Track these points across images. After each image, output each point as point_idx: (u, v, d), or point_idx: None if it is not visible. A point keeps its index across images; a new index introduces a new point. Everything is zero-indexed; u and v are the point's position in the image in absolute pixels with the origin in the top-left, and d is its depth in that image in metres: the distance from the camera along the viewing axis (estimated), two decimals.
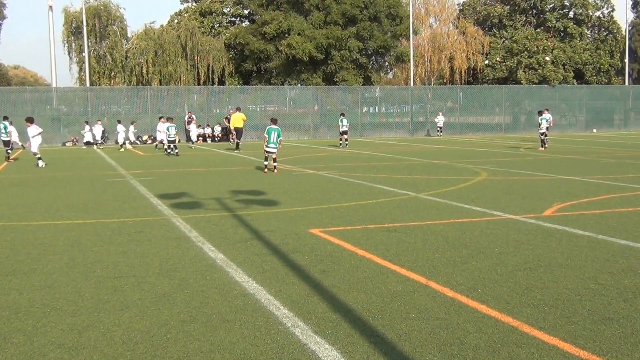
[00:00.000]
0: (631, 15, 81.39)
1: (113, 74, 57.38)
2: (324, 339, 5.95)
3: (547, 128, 32.40)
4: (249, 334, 6.11)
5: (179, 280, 8.05)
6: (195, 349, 5.77)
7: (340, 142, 37.28)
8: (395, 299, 7.15)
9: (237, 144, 36.00)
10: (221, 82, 60.09)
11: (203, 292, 7.54)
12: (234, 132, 36.69)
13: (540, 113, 33.11)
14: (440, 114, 51.10)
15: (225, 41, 61.61)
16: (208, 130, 46.33)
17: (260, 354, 5.65)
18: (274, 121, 22.69)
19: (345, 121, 37.33)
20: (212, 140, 45.88)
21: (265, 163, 22.03)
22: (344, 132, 37.16)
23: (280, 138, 21.99)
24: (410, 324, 6.33)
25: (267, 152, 21.98)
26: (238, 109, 37.31)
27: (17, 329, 6.39)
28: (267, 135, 22.00)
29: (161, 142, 35.10)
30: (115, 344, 5.94)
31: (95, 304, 7.14)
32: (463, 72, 69.73)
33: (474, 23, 73.90)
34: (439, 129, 50.53)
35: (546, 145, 32.11)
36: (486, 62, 72.09)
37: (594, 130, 54.47)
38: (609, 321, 6.34)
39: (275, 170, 21.78)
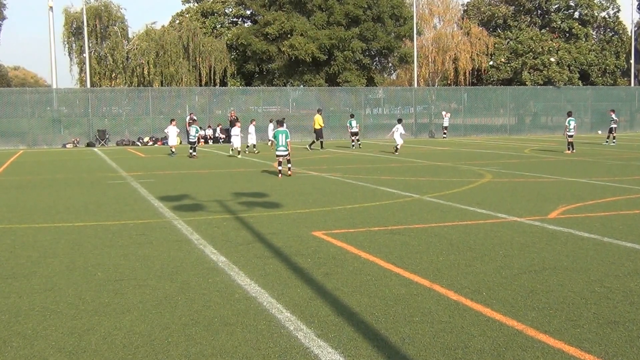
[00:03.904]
0: (637, 16, 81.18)
1: (114, 75, 57.38)
2: (327, 343, 5.92)
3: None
4: (251, 338, 6.07)
5: (181, 283, 8.00)
6: (196, 353, 5.74)
7: (353, 143, 37.41)
8: (399, 302, 7.10)
9: (321, 143, 37.03)
10: (223, 83, 60.07)
11: (205, 295, 7.50)
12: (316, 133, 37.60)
13: (570, 114, 32.54)
14: (445, 113, 50.30)
15: (227, 42, 61.59)
16: (209, 132, 46.25)
17: (263, 357, 5.62)
18: (280, 123, 22.14)
19: (354, 122, 37.55)
20: (213, 142, 45.80)
21: (280, 168, 21.11)
22: (355, 134, 37.45)
23: (288, 140, 21.23)
24: (413, 327, 6.29)
25: (277, 156, 21.24)
26: (319, 111, 38.54)
27: (17, 332, 6.35)
28: (274, 139, 21.55)
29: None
30: (116, 347, 5.91)
31: (95, 307, 7.10)
32: (467, 73, 69.66)
33: (478, 24, 73.85)
34: (444, 129, 49.61)
35: (573, 150, 31.35)
36: (491, 63, 72.03)
37: (599, 132, 54.23)
38: (615, 325, 6.29)
39: (290, 172, 21.19)
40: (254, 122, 34.02)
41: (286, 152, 21.14)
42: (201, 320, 6.61)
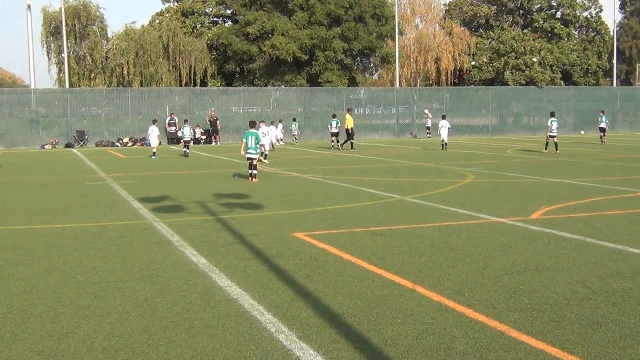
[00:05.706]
0: (619, 16, 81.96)
1: (93, 75, 56.87)
2: (309, 345, 5.89)
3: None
4: (232, 340, 6.04)
5: (161, 286, 7.93)
6: (177, 356, 5.70)
7: (332, 144, 36.80)
8: (381, 303, 7.07)
9: (352, 143, 36.40)
10: (203, 84, 59.80)
11: (185, 297, 7.44)
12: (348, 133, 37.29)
13: (552, 115, 32.59)
14: (428, 113, 49.87)
15: (208, 42, 61.35)
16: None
17: None
18: (252, 124, 20.96)
19: (334, 123, 36.79)
20: (194, 143, 45.58)
21: (250, 171, 20.11)
22: (334, 134, 36.71)
23: (260, 143, 20.51)
24: (396, 329, 6.26)
25: (247, 158, 20.24)
26: (349, 111, 38.33)
27: None
28: (244, 140, 20.23)
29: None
30: (96, 350, 5.86)
31: (75, 310, 7.03)
32: (449, 73, 69.76)
33: (460, 23, 74.00)
34: (427, 130, 49.19)
35: (557, 150, 31.25)
36: (473, 63, 72.22)
37: (582, 132, 54.48)
38: (598, 325, 6.30)
39: (255, 179, 19.89)
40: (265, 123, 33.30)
41: (255, 155, 20.16)
42: (182, 322, 6.55)
